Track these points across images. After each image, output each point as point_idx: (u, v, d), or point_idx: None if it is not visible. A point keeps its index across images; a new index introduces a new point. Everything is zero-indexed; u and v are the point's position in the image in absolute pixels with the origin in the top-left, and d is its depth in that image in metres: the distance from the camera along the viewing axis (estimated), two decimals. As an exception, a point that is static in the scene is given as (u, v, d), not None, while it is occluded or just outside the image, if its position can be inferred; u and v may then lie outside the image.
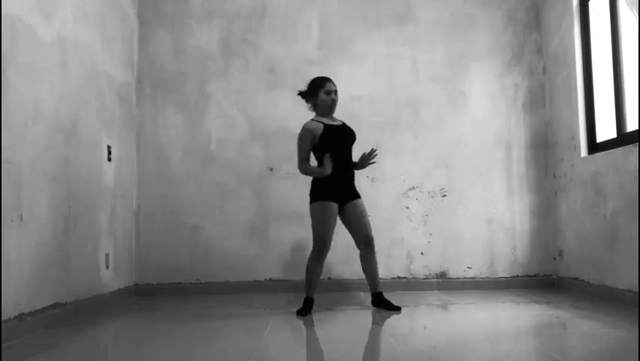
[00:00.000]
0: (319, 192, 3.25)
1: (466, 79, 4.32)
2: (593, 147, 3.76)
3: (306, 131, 3.30)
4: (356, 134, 3.44)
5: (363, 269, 3.38)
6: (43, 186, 2.81)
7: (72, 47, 3.16)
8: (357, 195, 3.37)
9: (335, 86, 3.40)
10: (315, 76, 3.45)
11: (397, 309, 3.26)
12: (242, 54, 4.28)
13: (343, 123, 3.44)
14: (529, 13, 4.38)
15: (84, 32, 3.32)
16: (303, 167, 3.30)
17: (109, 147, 3.66)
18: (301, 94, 3.45)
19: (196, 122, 4.22)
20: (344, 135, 3.35)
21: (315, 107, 3.41)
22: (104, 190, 3.58)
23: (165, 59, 4.26)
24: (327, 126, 3.30)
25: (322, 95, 3.34)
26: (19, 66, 2.60)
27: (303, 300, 3.28)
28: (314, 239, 3.25)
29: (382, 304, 3.30)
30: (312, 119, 3.37)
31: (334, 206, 3.25)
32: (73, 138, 3.16)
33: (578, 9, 3.90)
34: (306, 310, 3.20)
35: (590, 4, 3.83)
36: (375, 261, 3.37)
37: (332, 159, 3.25)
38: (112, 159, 3.70)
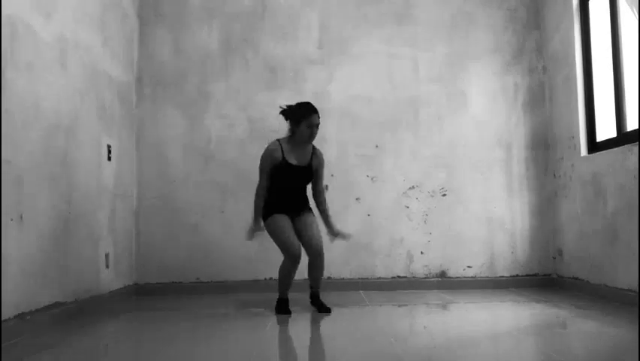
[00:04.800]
0: (268, 211, 3.26)
1: (466, 78, 4.32)
2: (593, 146, 3.76)
3: (265, 157, 3.26)
4: (316, 169, 3.36)
5: (308, 271, 3.34)
6: (43, 186, 2.81)
7: (72, 46, 3.16)
8: (308, 209, 3.36)
9: (319, 118, 3.27)
10: (304, 101, 3.33)
11: (326, 310, 3.23)
12: (242, 54, 4.28)
13: (310, 162, 3.31)
14: (529, 13, 4.38)
15: (84, 32, 3.32)
16: (258, 195, 3.25)
17: (109, 147, 3.66)
18: (283, 113, 3.32)
19: (196, 122, 4.22)
20: (297, 176, 3.27)
21: (292, 132, 3.29)
22: (104, 190, 3.58)
23: (165, 58, 4.26)
24: (283, 161, 3.23)
25: (303, 127, 3.22)
26: (18, 66, 2.60)
27: (282, 301, 3.30)
28: (282, 251, 3.23)
29: (316, 304, 3.30)
30: (279, 142, 3.28)
31: (284, 216, 3.25)
32: (73, 138, 3.16)
33: (578, 9, 3.90)
34: (280, 310, 3.24)
35: (590, 3, 3.83)
36: (322, 269, 3.33)
37: (281, 188, 3.26)
38: (112, 159, 3.70)
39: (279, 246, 3.25)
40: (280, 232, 3.21)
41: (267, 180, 3.27)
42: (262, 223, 3.30)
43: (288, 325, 2.95)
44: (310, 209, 3.39)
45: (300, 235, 3.26)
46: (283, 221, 3.24)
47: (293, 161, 3.26)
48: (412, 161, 4.25)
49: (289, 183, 3.29)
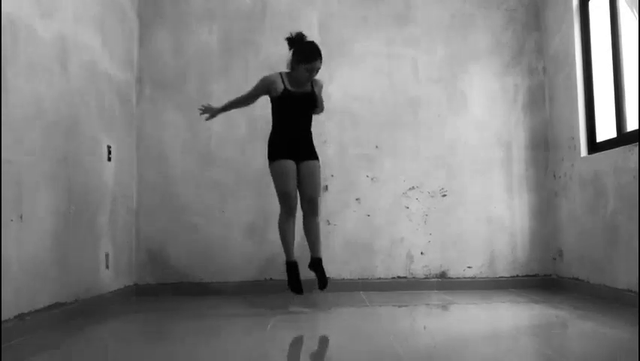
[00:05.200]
0: (273, 152, 3.32)
1: (466, 79, 4.32)
2: (593, 146, 3.76)
3: (263, 82, 3.32)
4: (319, 101, 3.42)
5: (304, 231, 3.43)
6: (43, 186, 2.81)
7: (72, 46, 3.16)
8: (313, 156, 3.39)
9: (321, 63, 3.29)
10: (313, 41, 3.36)
11: (322, 287, 3.32)
12: (242, 54, 4.28)
13: (312, 89, 3.36)
14: (528, 14, 4.38)
15: (84, 32, 3.32)
16: (238, 97, 3.45)
17: (109, 147, 3.65)
18: (289, 41, 3.31)
19: (196, 122, 4.21)
20: (300, 103, 3.32)
21: (290, 67, 3.32)
22: (104, 190, 3.58)
23: (165, 58, 4.26)
24: (285, 91, 3.29)
25: (302, 69, 3.25)
26: (19, 66, 2.60)
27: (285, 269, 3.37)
28: (278, 198, 3.33)
29: (317, 270, 3.35)
30: (280, 74, 3.34)
31: (289, 162, 3.29)
32: (73, 138, 3.16)
33: (578, 9, 3.90)
34: (292, 279, 3.29)
35: (590, 4, 3.83)
36: (316, 226, 3.40)
37: (284, 122, 3.31)
38: (112, 159, 3.70)
39: (277, 193, 3.33)
40: (281, 179, 3.28)
41: (251, 98, 3.40)
42: (217, 114, 3.52)
43: (288, 325, 2.94)
44: (316, 156, 3.42)
45: (298, 182, 3.34)
46: (287, 169, 3.28)
47: (294, 89, 3.31)
48: (412, 161, 4.25)
49: (294, 112, 3.32)
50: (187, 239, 4.14)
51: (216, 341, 2.55)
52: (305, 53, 3.24)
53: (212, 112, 3.54)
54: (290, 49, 3.32)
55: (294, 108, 3.31)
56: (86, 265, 3.28)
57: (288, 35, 3.34)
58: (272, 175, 3.35)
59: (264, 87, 3.34)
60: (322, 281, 3.34)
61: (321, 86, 3.50)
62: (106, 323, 3.06)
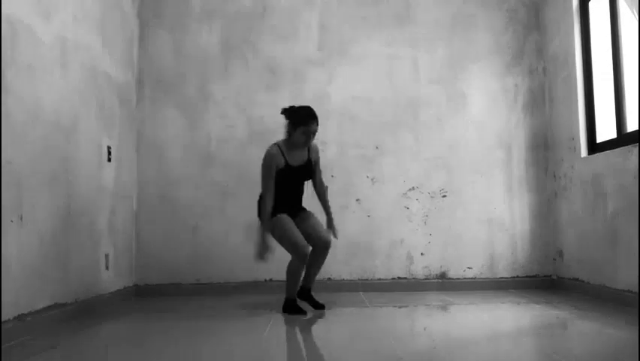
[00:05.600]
0: (272, 209, 3.27)
1: (466, 79, 4.32)
2: (593, 147, 3.76)
3: (270, 160, 3.24)
4: (318, 174, 3.48)
5: (309, 260, 3.29)
6: (44, 187, 2.81)
7: (72, 47, 3.16)
8: (304, 209, 3.43)
9: (317, 125, 3.26)
10: (309, 105, 3.32)
11: (323, 307, 3.32)
12: (242, 54, 4.28)
13: (308, 157, 3.35)
14: (529, 14, 4.38)
15: (84, 33, 3.32)
16: (266, 202, 3.23)
17: (109, 148, 3.65)
18: (284, 112, 3.30)
19: (196, 123, 4.22)
20: (298, 176, 3.33)
21: (288, 135, 3.30)
22: (104, 190, 3.58)
23: (165, 59, 4.26)
24: (286, 167, 3.26)
25: (299, 132, 3.22)
26: (19, 67, 2.60)
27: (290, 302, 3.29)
28: (292, 251, 3.20)
29: (308, 299, 3.37)
30: (278, 146, 3.29)
31: (286, 215, 3.28)
32: (73, 138, 3.16)
33: (578, 9, 3.90)
34: (295, 308, 3.26)
35: (590, 4, 3.83)
36: (324, 261, 3.37)
37: (280, 189, 3.27)
38: (112, 160, 3.70)
39: (287, 246, 3.23)
40: (289, 232, 3.20)
41: (272, 184, 3.26)
42: (269, 240, 3.25)
43: (288, 326, 2.94)
44: (305, 208, 3.44)
45: (308, 232, 3.27)
46: (289, 222, 3.25)
47: (295, 163, 3.30)
48: (412, 162, 4.25)
49: (293, 184, 3.34)
50: (187, 239, 4.14)
51: (216, 341, 2.54)
52: (302, 116, 3.23)
53: (266, 247, 3.25)
54: (286, 118, 3.29)
55: (291, 181, 3.32)
56: (85, 266, 3.28)
57: (282, 110, 3.31)
58: (276, 230, 3.23)
59: (272, 164, 3.25)
60: (319, 304, 3.33)
61: (317, 152, 3.46)
62: (106, 323, 3.06)
